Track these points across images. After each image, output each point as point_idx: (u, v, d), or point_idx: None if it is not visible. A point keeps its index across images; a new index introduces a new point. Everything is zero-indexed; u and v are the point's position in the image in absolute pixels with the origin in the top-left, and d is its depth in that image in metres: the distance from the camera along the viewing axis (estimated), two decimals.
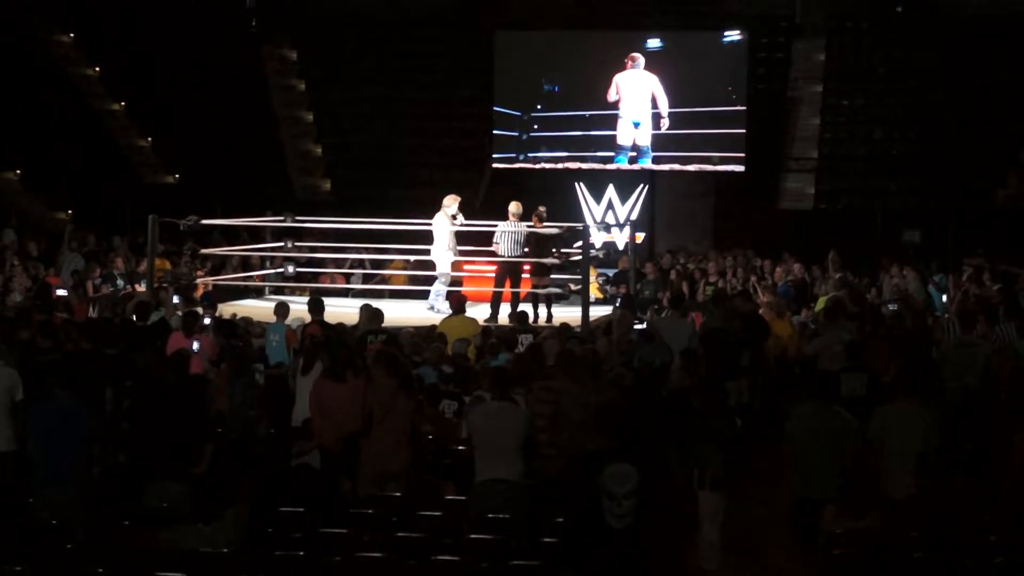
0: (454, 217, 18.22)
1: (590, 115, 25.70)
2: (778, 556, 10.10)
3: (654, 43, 25.73)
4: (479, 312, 17.18)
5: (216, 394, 11.96)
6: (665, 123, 25.21)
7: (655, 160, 25.55)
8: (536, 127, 26.17)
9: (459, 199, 18.48)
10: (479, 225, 18.79)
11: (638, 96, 25.27)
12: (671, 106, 25.24)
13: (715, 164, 25.45)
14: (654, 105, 25.20)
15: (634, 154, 25.55)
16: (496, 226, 18.03)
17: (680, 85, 25.30)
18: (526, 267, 18.17)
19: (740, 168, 25.46)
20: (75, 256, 20.94)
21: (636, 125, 25.35)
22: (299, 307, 16.00)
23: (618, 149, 25.56)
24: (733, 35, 26.05)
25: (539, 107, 26.13)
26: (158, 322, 15.08)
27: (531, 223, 18.03)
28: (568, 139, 25.99)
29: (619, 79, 25.38)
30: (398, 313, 17.66)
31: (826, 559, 8.71)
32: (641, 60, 25.26)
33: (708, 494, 9.85)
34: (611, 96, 25.36)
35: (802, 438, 9.88)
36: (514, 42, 26.97)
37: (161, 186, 28.19)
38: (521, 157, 26.36)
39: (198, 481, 9.60)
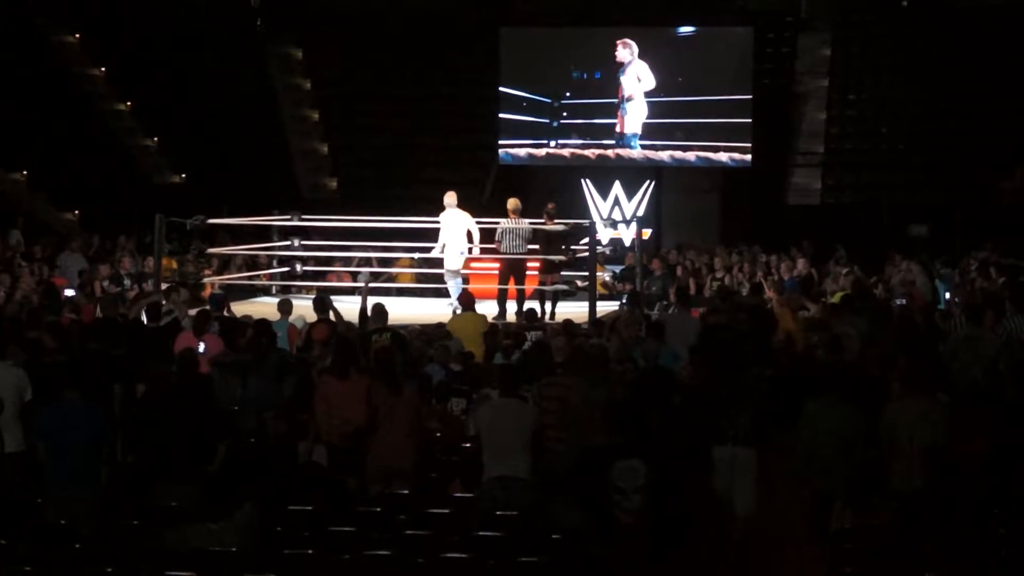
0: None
1: (618, 102, 25.94)
2: (790, 551, 10.07)
3: (687, 30, 26.41)
4: (488, 310, 17.18)
5: (221, 394, 11.94)
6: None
7: (659, 148, 25.77)
8: (565, 114, 26.26)
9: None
10: (483, 223, 18.76)
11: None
12: (676, 95, 25.50)
13: (719, 151, 25.56)
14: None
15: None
16: (498, 224, 18.04)
17: (686, 74, 25.57)
18: (530, 264, 18.16)
19: (746, 156, 25.43)
20: (76, 256, 20.93)
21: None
22: (306, 306, 15.99)
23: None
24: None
25: (568, 95, 26.24)
26: (171, 323, 15.06)
27: (542, 220, 18.05)
28: (598, 127, 26.13)
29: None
30: (405, 311, 17.65)
31: (836, 554, 8.69)
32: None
33: (739, 449, 9.90)
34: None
35: (817, 433, 9.88)
36: (528, 35, 27.07)
37: (167, 185, 28.23)
38: (553, 144, 26.44)
39: (210, 480, 9.60)
